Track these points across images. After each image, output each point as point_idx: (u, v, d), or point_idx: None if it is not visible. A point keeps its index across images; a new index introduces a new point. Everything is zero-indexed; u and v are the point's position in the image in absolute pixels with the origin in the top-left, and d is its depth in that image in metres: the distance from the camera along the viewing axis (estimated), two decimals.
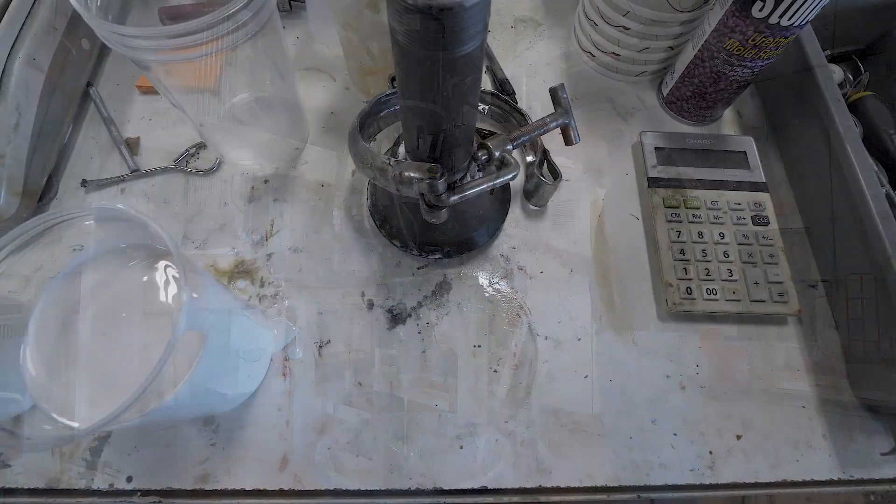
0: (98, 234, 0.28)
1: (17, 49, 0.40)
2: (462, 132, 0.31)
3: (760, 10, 0.34)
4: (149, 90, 0.47)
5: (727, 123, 0.47)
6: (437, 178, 0.31)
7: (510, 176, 0.34)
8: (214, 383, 0.30)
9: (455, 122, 0.29)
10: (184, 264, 0.24)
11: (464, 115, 0.29)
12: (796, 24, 0.34)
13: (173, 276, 0.28)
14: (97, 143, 0.45)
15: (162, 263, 0.28)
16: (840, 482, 0.34)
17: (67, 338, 0.27)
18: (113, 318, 0.27)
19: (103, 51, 0.49)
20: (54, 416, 0.25)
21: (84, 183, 0.43)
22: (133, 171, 0.43)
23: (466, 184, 0.32)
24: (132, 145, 0.45)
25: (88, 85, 0.47)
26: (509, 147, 0.35)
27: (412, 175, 0.32)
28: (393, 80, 0.42)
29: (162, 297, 0.28)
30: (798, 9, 0.33)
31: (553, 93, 0.37)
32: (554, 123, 0.36)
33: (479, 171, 0.35)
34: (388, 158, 0.33)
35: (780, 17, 0.34)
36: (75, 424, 0.25)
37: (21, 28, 0.41)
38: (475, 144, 0.34)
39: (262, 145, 0.43)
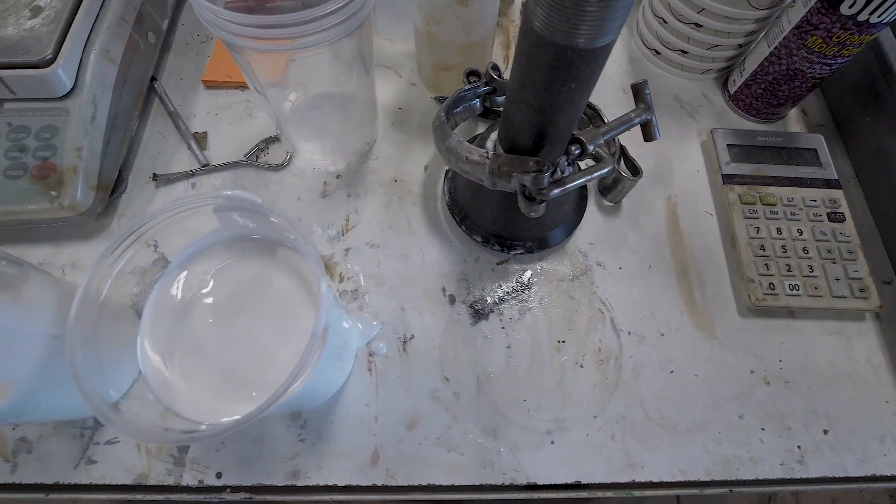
0: (213, 223, 0.27)
1: (93, 41, 0.40)
2: (568, 127, 0.31)
3: (851, 6, 0.34)
4: (214, 84, 0.47)
5: (792, 121, 0.47)
6: (543, 172, 0.31)
7: (606, 170, 0.34)
8: (319, 377, 0.30)
9: (566, 117, 0.29)
10: (318, 257, 0.23)
11: (576, 110, 0.29)
12: (885, 20, 0.35)
13: (292, 269, 0.28)
14: (164, 138, 0.45)
15: (279, 254, 0.28)
16: None
17: (183, 328, 0.27)
18: (229, 309, 0.27)
19: (165, 45, 0.49)
20: (178, 411, 0.25)
21: (155, 177, 0.43)
22: (203, 166, 0.43)
23: (567, 177, 0.32)
24: (200, 140, 0.44)
25: (153, 79, 0.47)
26: (600, 141, 0.35)
27: (513, 169, 0.32)
28: (469, 74, 0.42)
29: (279, 288, 0.27)
30: (891, 5, 0.33)
31: (636, 89, 0.37)
32: (638, 119, 0.37)
33: (568, 165, 0.35)
34: (486, 153, 0.33)
35: (871, 13, 0.34)
36: (200, 419, 0.25)
37: (95, 20, 0.40)
38: None
39: (336, 140, 0.42)
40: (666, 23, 0.45)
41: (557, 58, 0.24)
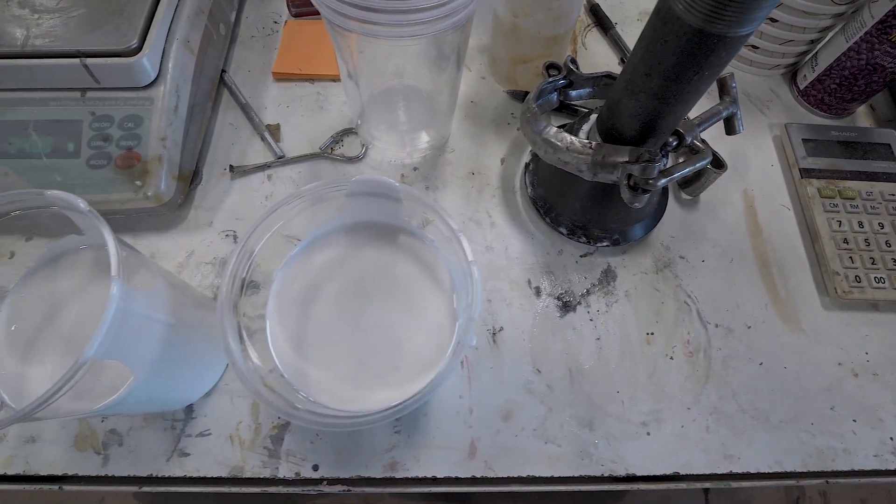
0: (342, 208, 0.27)
1: (174, 31, 0.39)
2: (681, 117, 0.31)
3: None
4: (284, 77, 0.47)
5: (860, 117, 0.47)
6: (655, 162, 0.31)
7: (706, 161, 0.34)
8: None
9: (685, 106, 0.29)
10: (467, 243, 0.23)
11: (696, 99, 0.29)
12: None
13: (414, 256, 0.27)
14: (235, 129, 0.45)
15: (400, 241, 0.28)
16: None
17: (310, 316, 0.26)
18: (355, 296, 0.27)
19: (232, 38, 0.49)
20: (316, 399, 0.25)
21: (231, 169, 0.42)
22: (279, 158, 0.43)
23: (673, 167, 0.32)
24: (273, 132, 0.44)
25: (223, 71, 0.46)
26: (697, 133, 0.35)
27: (621, 159, 0.32)
28: (549, 68, 0.42)
29: (403, 275, 0.27)
30: None
31: (722, 82, 0.37)
32: (725, 112, 0.37)
33: (663, 156, 0.35)
34: (590, 142, 0.33)
35: None
36: (339, 407, 0.24)
37: (175, 10, 0.40)
38: None
39: (418, 133, 0.42)
40: None
41: (699, 45, 0.24)
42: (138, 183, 0.38)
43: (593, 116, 0.38)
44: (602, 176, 0.33)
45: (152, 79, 0.38)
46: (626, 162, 0.32)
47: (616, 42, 0.48)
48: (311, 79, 0.47)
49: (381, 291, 0.27)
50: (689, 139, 0.34)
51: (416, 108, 0.41)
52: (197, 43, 0.41)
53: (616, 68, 0.48)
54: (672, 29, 0.24)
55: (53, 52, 0.37)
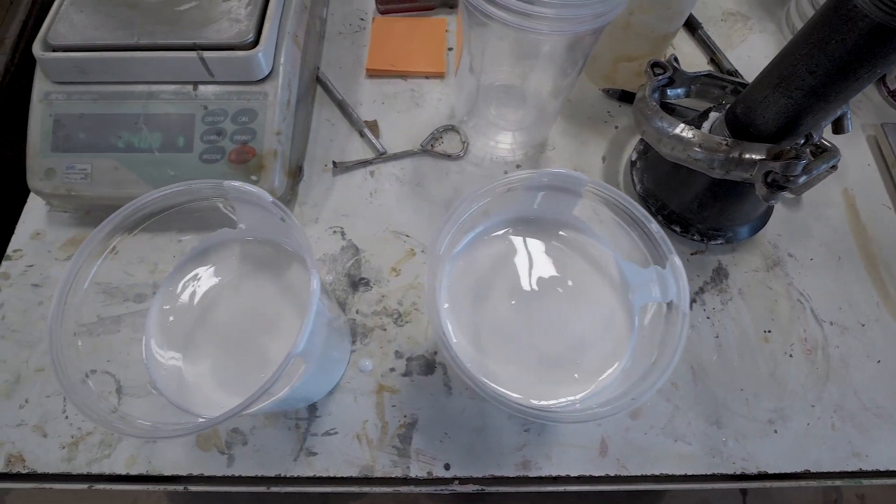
0: (506, 203, 0.27)
1: (284, 25, 0.39)
2: (830, 114, 0.31)
3: None
4: (377, 73, 0.46)
5: None
6: (800, 159, 0.31)
7: (838, 158, 0.34)
8: None
9: (840, 104, 0.29)
10: (665, 238, 0.23)
11: (853, 96, 0.29)
12: None
13: (583, 250, 0.27)
14: (332, 126, 0.44)
15: (563, 236, 0.27)
16: None
17: (484, 310, 0.26)
18: (528, 290, 0.26)
19: (321, 34, 0.48)
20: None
21: (334, 165, 0.42)
22: (381, 154, 0.42)
23: (812, 163, 0.32)
24: (372, 128, 0.44)
25: (316, 67, 0.46)
26: (822, 130, 0.35)
27: (761, 156, 0.32)
28: (654, 66, 0.42)
29: (576, 270, 0.27)
30: None
31: None
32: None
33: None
34: (724, 139, 0.33)
35: None
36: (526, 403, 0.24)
37: (284, 4, 0.40)
38: None
39: (528, 131, 0.42)
40: None
41: (880, 41, 0.24)
42: (254, 178, 0.37)
43: (713, 114, 0.38)
44: (735, 173, 0.33)
45: (266, 73, 0.37)
46: (764, 159, 0.32)
47: (704, 41, 0.49)
48: (404, 75, 0.46)
49: (554, 287, 0.26)
50: (816, 137, 0.34)
51: (530, 109, 0.41)
52: (302, 37, 0.41)
53: (705, 67, 0.48)
54: (852, 25, 0.25)
55: (169, 45, 0.36)
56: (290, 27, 0.39)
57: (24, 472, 0.33)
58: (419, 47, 0.47)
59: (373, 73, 0.46)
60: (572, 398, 0.23)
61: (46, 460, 0.33)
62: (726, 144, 0.33)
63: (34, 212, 0.41)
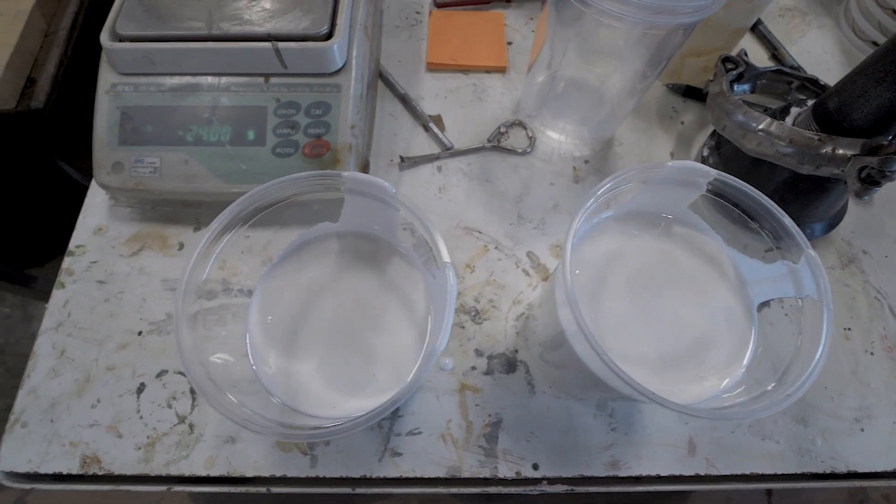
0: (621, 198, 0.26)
1: (355, 16, 0.38)
2: None
3: None
4: (438, 67, 0.46)
5: None
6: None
7: None
8: None
9: None
10: (800, 232, 0.23)
11: None
12: None
13: (692, 246, 0.27)
14: (395, 120, 0.44)
15: (675, 231, 0.27)
16: None
17: (599, 305, 0.25)
18: (642, 286, 0.26)
19: (381, 27, 0.47)
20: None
21: (402, 160, 0.41)
22: (447, 149, 0.42)
23: None
24: (437, 123, 0.43)
25: (378, 61, 0.45)
26: None
27: (857, 151, 0.32)
28: (725, 60, 0.42)
29: (686, 266, 0.26)
30: None
31: None
32: None
33: None
34: (818, 134, 0.33)
35: None
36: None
37: None
38: None
39: (594, 126, 0.41)
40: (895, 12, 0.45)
41: None
42: None
43: (794, 109, 0.37)
44: (825, 169, 0.33)
45: (340, 65, 0.37)
46: (858, 154, 0.32)
47: (765, 37, 0.48)
48: (465, 70, 0.46)
49: (667, 283, 0.26)
50: None
51: (605, 106, 0.40)
52: (370, 29, 0.40)
53: (766, 63, 0.48)
54: None
55: (243, 35, 0.36)
56: (360, 18, 0.38)
57: (100, 473, 0.32)
58: (479, 41, 0.46)
59: (433, 68, 0.46)
60: (706, 396, 0.23)
61: (123, 461, 0.32)
62: (818, 139, 0.32)
63: (95, 206, 0.40)
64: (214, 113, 0.37)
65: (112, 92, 0.37)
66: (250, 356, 0.25)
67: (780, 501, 1.04)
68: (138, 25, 0.36)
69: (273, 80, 0.37)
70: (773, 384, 0.22)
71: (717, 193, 0.25)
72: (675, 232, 0.27)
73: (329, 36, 0.36)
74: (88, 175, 0.58)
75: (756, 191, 0.24)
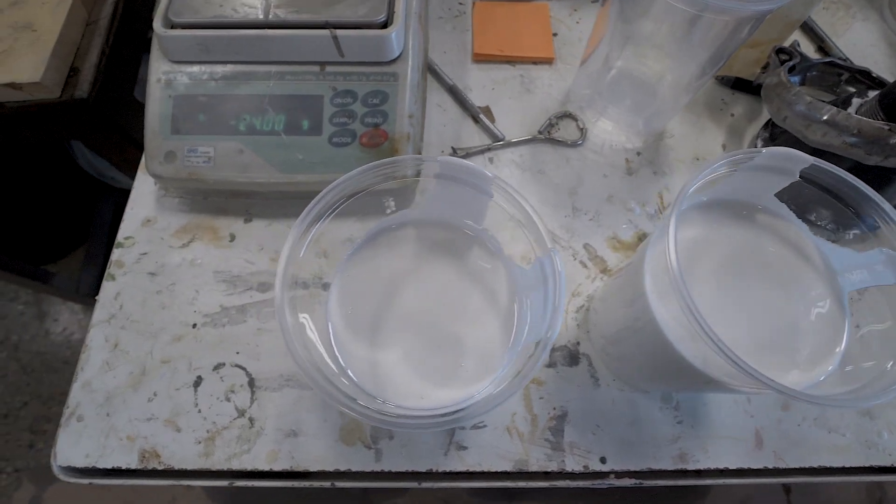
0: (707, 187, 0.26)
1: (410, 4, 0.38)
2: None
3: None
4: (485, 59, 0.45)
5: None
6: None
7: None
8: None
9: None
10: None
11: None
12: None
13: (777, 235, 0.26)
14: (444, 111, 0.43)
15: (758, 220, 0.26)
16: None
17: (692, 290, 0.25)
18: (731, 275, 0.25)
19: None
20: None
21: (454, 151, 0.41)
22: (498, 141, 0.41)
23: None
24: (486, 114, 0.42)
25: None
26: None
27: None
28: (779, 52, 0.42)
29: (774, 255, 0.26)
30: None
31: None
32: None
33: None
34: (889, 125, 0.32)
35: None
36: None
37: None
38: None
39: (647, 118, 0.41)
40: None
41: None
42: None
43: (856, 100, 0.37)
44: (894, 159, 0.33)
45: (397, 54, 0.36)
46: None
47: (812, 29, 0.48)
48: (512, 61, 0.45)
49: (755, 272, 0.25)
50: None
51: (661, 100, 0.40)
52: (423, 18, 0.40)
53: (813, 55, 0.48)
54: None
55: (300, 23, 0.35)
56: (415, 6, 0.38)
57: (160, 468, 0.32)
58: (524, 33, 0.46)
59: (480, 59, 0.45)
60: (803, 384, 0.23)
61: (182, 456, 0.32)
62: (889, 129, 0.32)
63: (143, 198, 0.39)
64: (268, 102, 0.36)
65: (164, 80, 0.36)
66: (334, 346, 0.25)
67: (800, 499, 1.05)
68: (192, 12, 0.35)
69: (328, 68, 0.36)
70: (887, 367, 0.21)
71: (810, 180, 0.25)
72: (760, 220, 0.26)
73: (386, 24, 0.35)
74: (122, 167, 0.57)
75: (854, 177, 0.23)
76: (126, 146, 0.50)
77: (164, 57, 0.36)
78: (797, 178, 0.24)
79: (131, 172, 0.56)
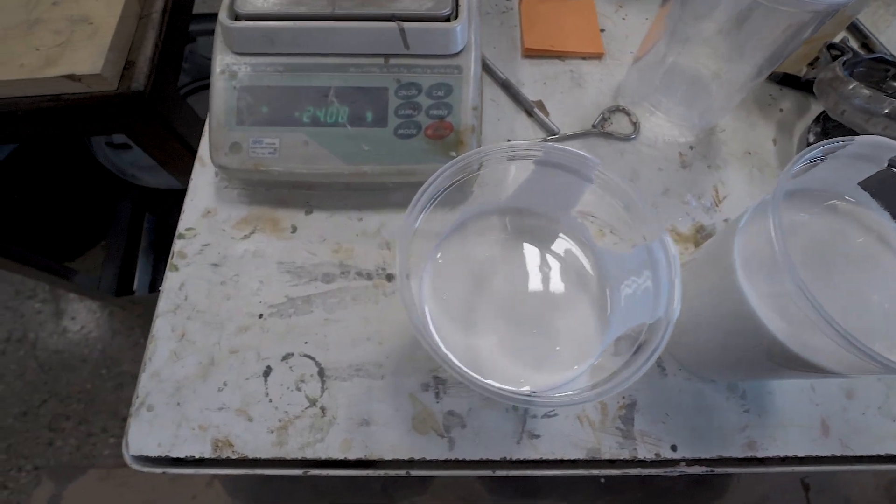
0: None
1: None
2: None
3: None
4: (535, 54, 0.45)
5: None
6: None
7: None
8: None
9: None
10: None
11: None
12: None
13: (860, 224, 0.27)
14: (498, 105, 0.43)
15: (840, 209, 0.27)
16: None
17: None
18: (817, 264, 0.26)
19: None
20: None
21: None
22: (553, 134, 0.42)
23: None
24: (540, 109, 0.43)
25: None
26: None
27: None
28: (830, 47, 0.42)
29: (859, 244, 0.26)
30: None
31: None
32: None
33: None
34: None
35: None
36: None
37: None
38: None
39: (701, 113, 0.41)
40: None
41: None
42: (453, 154, 0.36)
43: None
44: None
45: (461, 47, 0.36)
46: None
47: (856, 26, 0.49)
48: (561, 56, 0.46)
49: (842, 260, 0.26)
50: None
51: (715, 97, 0.40)
52: (481, 11, 0.40)
53: (859, 51, 0.48)
54: None
55: (367, 15, 0.35)
56: (475, 1, 0.38)
57: (233, 457, 0.32)
58: (573, 28, 0.46)
59: (530, 54, 0.46)
60: None
61: (256, 445, 0.32)
62: None
63: (201, 189, 0.39)
64: (333, 94, 0.36)
65: (227, 72, 0.36)
66: (433, 332, 0.25)
67: (818, 496, 1.05)
68: (258, 4, 0.36)
69: (392, 60, 0.36)
70: None
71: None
72: (843, 209, 0.27)
73: (451, 17, 0.36)
74: (164, 161, 0.57)
75: None
76: (169, 140, 0.50)
77: (228, 49, 0.37)
78: (885, 166, 0.25)
79: (173, 166, 0.56)
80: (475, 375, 0.19)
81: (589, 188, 0.25)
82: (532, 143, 0.24)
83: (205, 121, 0.39)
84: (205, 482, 1.04)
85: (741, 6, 0.32)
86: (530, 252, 0.27)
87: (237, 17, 0.36)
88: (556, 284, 0.26)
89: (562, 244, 0.27)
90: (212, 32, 0.37)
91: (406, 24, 0.35)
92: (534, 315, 0.26)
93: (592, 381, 0.24)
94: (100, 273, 0.94)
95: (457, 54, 0.37)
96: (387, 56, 0.36)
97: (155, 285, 1.00)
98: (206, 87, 0.88)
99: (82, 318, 1.05)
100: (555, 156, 0.24)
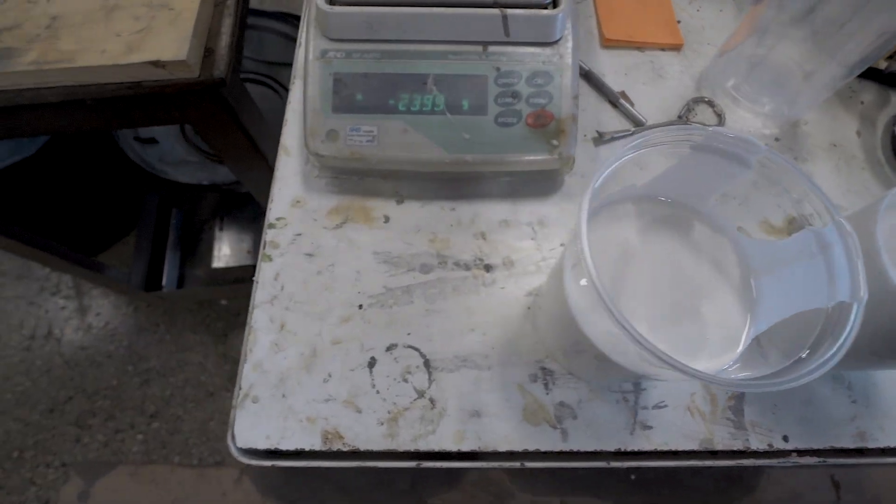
0: None
1: None
2: None
3: None
4: (614, 44, 0.45)
5: None
6: None
7: None
8: None
9: None
10: None
11: None
12: None
13: None
14: (581, 96, 0.43)
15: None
16: None
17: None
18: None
19: None
20: None
21: (599, 135, 0.40)
22: (640, 125, 0.41)
23: None
24: (625, 99, 0.42)
25: None
26: None
27: None
28: None
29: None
30: None
31: None
32: None
33: None
34: None
35: None
36: None
37: None
38: None
39: (786, 105, 0.41)
40: None
41: None
42: (554, 143, 0.36)
43: None
44: None
45: (560, 35, 0.36)
46: None
47: None
48: (640, 47, 0.45)
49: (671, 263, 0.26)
50: None
51: (804, 92, 0.40)
52: None
53: None
54: None
55: (468, 1, 0.35)
56: None
57: (344, 449, 0.31)
58: (650, 19, 0.46)
59: (610, 44, 0.45)
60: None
61: (367, 437, 0.31)
62: None
63: (288, 179, 0.39)
64: (432, 81, 0.36)
65: (323, 59, 0.36)
66: (577, 320, 0.25)
67: (848, 493, 1.06)
68: None
69: (491, 48, 0.36)
70: None
71: None
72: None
73: (550, 4, 0.35)
74: (224, 150, 0.56)
75: None
76: (233, 130, 0.49)
77: (323, 35, 0.36)
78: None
79: (233, 158, 0.55)
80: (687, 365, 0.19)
81: (745, 174, 0.25)
82: (693, 127, 0.24)
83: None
84: (233, 479, 1.03)
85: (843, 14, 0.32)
86: (667, 240, 0.27)
87: (334, 3, 0.35)
88: (698, 273, 0.26)
89: (697, 232, 0.27)
90: (252, 27, 0.36)
91: (508, 11, 0.35)
92: (678, 303, 0.25)
93: (748, 370, 0.23)
94: (129, 267, 0.93)
95: (556, 42, 0.36)
96: (485, 44, 0.36)
97: (183, 281, 0.99)
98: (250, 80, 0.88)
99: (106, 313, 1.04)
100: (717, 140, 0.24)
